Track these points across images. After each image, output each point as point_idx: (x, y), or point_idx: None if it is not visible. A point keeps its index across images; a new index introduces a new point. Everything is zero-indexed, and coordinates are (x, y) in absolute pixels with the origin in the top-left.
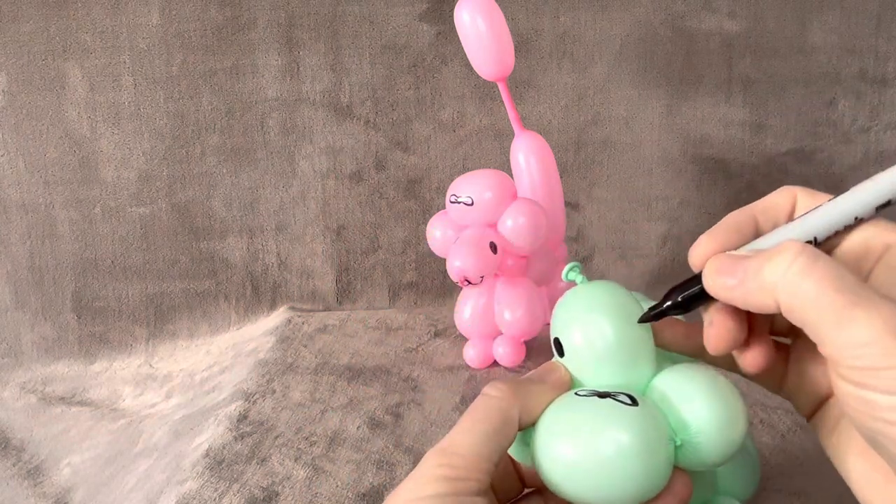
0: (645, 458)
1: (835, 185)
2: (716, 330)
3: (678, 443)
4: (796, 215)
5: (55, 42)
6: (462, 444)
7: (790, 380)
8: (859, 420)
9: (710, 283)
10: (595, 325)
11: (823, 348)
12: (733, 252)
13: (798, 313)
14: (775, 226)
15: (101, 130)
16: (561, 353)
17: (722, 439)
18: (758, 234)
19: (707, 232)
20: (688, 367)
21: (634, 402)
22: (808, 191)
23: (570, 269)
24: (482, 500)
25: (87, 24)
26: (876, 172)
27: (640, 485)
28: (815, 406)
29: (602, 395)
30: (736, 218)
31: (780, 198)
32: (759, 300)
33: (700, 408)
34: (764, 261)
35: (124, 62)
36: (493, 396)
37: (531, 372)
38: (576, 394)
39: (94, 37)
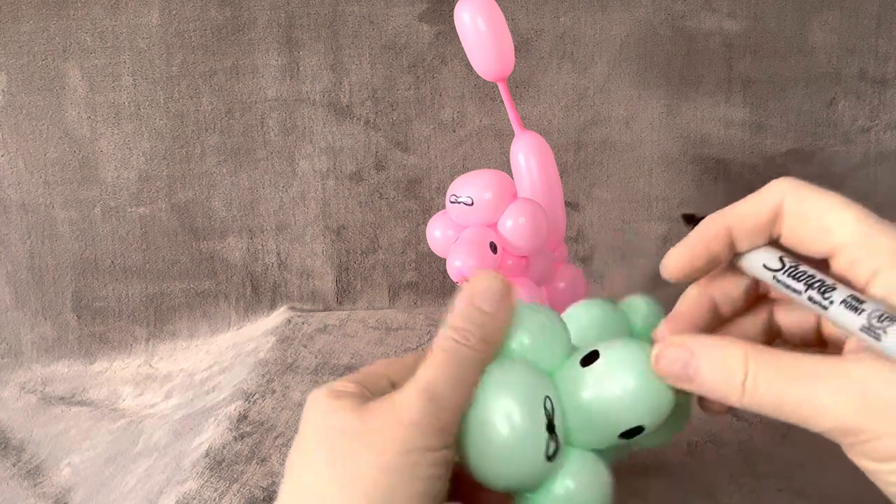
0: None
1: (835, 186)
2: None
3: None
4: (782, 223)
5: (55, 42)
6: (449, 398)
7: None
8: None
9: (663, 369)
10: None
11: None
12: (686, 338)
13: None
14: (750, 237)
15: (101, 130)
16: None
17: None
18: (730, 246)
19: (677, 245)
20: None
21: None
22: (799, 191)
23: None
24: (450, 453)
25: (87, 24)
26: (876, 172)
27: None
28: None
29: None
30: (707, 231)
31: (762, 204)
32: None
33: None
34: (714, 371)
35: (124, 62)
36: (468, 347)
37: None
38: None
39: (94, 37)
